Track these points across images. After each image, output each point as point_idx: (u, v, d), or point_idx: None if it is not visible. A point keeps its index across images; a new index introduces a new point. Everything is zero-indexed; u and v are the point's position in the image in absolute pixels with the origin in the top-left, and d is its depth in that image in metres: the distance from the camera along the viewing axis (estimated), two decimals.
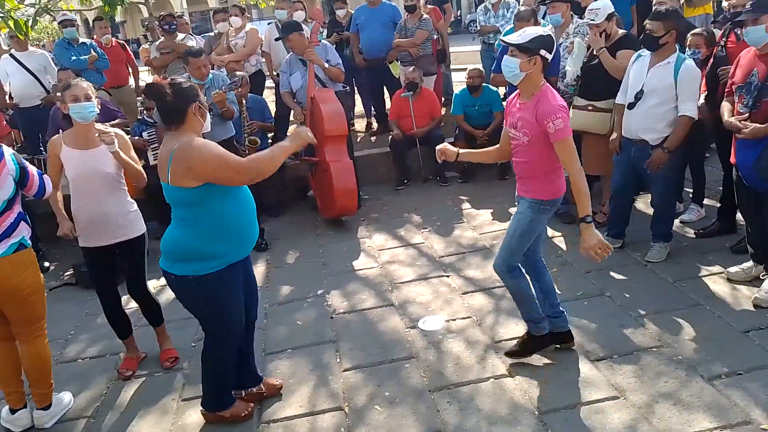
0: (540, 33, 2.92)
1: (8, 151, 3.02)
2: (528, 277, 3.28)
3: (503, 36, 5.72)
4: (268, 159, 2.75)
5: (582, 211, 2.96)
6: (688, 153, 4.42)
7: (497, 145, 3.35)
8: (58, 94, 3.87)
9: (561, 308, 3.35)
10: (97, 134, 3.34)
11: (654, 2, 5.14)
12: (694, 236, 4.60)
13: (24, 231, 3.03)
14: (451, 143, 6.42)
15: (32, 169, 3.08)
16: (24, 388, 3.22)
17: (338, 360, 3.55)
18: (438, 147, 3.26)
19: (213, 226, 2.74)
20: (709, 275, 4.03)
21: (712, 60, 4.37)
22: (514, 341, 3.46)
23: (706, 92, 4.38)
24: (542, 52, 2.89)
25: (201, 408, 3.12)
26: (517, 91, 3.11)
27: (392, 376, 3.34)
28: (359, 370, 3.43)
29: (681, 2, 6.10)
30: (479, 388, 3.16)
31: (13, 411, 3.18)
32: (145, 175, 3.55)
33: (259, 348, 3.70)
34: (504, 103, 5.24)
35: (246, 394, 3.21)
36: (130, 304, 3.74)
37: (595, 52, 4.52)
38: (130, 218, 3.49)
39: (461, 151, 3.30)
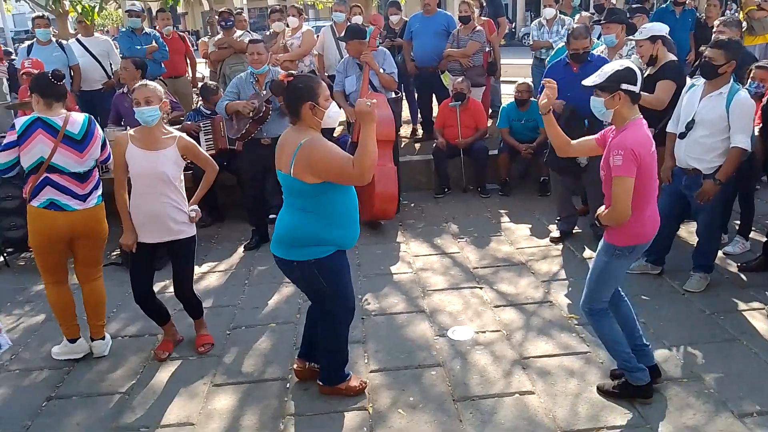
0: (617, 69, 2.84)
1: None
2: (614, 321, 3.09)
3: (549, 60, 5.68)
4: (360, 157, 2.76)
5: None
6: (737, 184, 4.33)
7: (576, 140, 3.21)
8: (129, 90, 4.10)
9: (644, 341, 3.17)
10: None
11: (714, 30, 5.06)
12: (736, 269, 4.50)
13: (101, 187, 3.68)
14: (493, 155, 6.48)
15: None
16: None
17: (366, 361, 3.61)
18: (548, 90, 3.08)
19: (329, 214, 2.91)
20: (748, 310, 3.94)
21: None
22: (542, 358, 3.47)
23: (761, 125, 4.30)
24: (623, 86, 2.82)
25: (318, 382, 3.29)
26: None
27: (417, 382, 3.38)
28: (385, 373, 3.48)
29: (743, 30, 5.98)
30: (503, 402, 3.18)
31: (72, 341, 3.72)
32: (216, 167, 3.72)
33: (290, 342, 3.79)
34: None
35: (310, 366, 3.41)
36: (169, 289, 3.87)
37: None
38: (183, 220, 3.56)
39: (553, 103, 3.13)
